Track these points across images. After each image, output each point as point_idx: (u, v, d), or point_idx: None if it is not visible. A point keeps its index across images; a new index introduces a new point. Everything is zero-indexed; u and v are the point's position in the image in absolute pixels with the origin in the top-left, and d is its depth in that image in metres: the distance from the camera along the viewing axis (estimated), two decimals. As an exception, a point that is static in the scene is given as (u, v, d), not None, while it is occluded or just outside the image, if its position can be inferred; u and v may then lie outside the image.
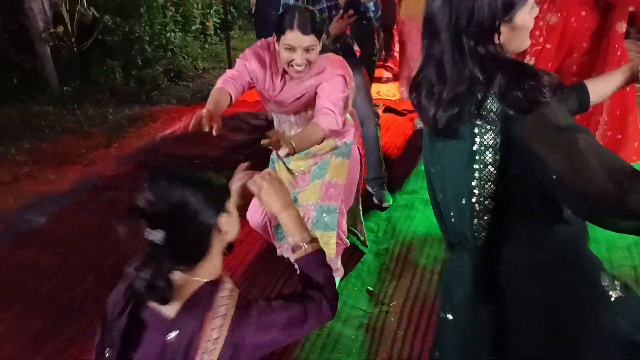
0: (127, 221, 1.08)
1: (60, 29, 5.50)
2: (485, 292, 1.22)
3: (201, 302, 1.16)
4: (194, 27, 6.99)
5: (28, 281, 2.61)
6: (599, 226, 1.06)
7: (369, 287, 2.46)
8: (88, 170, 3.88)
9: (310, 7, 2.17)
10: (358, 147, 2.42)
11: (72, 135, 4.55)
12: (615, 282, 1.24)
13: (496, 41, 1.07)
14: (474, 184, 1.09)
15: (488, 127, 1.05)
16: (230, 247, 1.24)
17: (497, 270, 1.19)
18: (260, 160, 2.41)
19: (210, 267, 1.17)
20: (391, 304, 2.33)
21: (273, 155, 2.43)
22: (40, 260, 2.78)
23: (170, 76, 6.03)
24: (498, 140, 1.05)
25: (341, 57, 2.17)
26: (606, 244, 2.63)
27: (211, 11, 7.30)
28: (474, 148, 1.07)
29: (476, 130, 1.06)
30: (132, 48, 5.95)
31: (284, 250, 2.45)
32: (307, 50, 1.94)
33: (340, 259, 2.47)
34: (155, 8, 6.30)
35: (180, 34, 6.67)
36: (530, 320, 1.19)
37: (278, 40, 1.97)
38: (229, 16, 7.09)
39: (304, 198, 2.30)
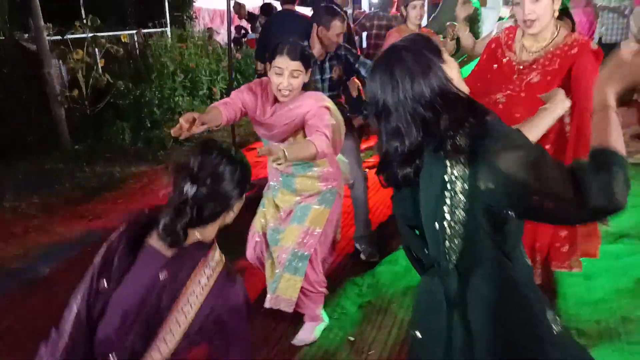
0: (172, 170, 1.37)
1: (76, 92, 5.92)
2: (453, 315, 1.36)
3: (198, 251, 1.39)
4: (201, 92, 7.42)
5: (37, 326, 2.78)
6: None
7: (350, 337, 2.63)
8: (94, 224, 4.12)
9: (301, 42, 2.42)
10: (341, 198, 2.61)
11: (81, 191, 4.83)
12: (556, 317, 1.40)
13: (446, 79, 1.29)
14: (445, 209, 1.27)
15: (459, 160, 1.24)
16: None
17: (464, 295, 1.34)
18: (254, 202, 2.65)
19: (208, 232, 1.42)
20: (370, 352, 2.50)
21: (265, 192, 2.66)
22: (48, 307, 2.96)
23: (177, 137, 6.37)
24: (467, 171, 1.24)
25: (324, 95, 2.44)
26: (574, 299, 2.81)
27: (218, 77, 7.77)
28: (446, 178, 1.26)
29: (448, 163, 1.25)
30: (142, 111, 6.35)
31: (271, 301, 2.62)
32: (293, 75, 2.24)
33: (322, 308, 2.66)
34: (165, 75, 6.76)
35: (189, 98, 7.09)
36: (488, 350, 1.33)
37: (271, 65, 2.27)
38: (235, 82, 7.53)
39: (284, 239, 2.52)
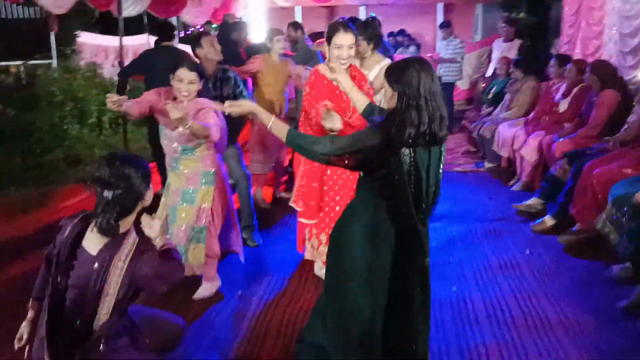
0: (90, 184, 1.84)
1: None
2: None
3: (115, 243, 1.89)
4: (90, 121, 7.70)
5: None
6: None
7: (238, 292, 3.35)
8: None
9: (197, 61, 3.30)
10: (224, 178, 3.30)
11: (-24, 210, 4.95)
12: None
13: None
14: (440, 163, 2.15)
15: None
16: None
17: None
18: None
19: (130, 219, 1.94)
20: (253, 298, 3.24)
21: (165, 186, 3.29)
22: None
23: (69, 161, 6.65)
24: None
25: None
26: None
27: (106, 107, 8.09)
28: (442, 148, 2.15)
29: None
30: (31, 137, 6.56)
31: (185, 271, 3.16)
32: (190, 82, 3.00)
33: (216, 271, 3.35)
34: (54, 103, 7.04)
35: (78, 125, 7.35)
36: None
37: (174, 75, 2.99)
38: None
39: (179, 218, 3.13)
